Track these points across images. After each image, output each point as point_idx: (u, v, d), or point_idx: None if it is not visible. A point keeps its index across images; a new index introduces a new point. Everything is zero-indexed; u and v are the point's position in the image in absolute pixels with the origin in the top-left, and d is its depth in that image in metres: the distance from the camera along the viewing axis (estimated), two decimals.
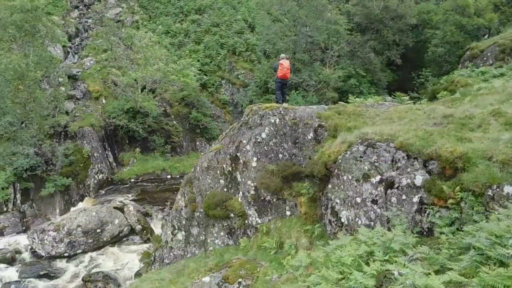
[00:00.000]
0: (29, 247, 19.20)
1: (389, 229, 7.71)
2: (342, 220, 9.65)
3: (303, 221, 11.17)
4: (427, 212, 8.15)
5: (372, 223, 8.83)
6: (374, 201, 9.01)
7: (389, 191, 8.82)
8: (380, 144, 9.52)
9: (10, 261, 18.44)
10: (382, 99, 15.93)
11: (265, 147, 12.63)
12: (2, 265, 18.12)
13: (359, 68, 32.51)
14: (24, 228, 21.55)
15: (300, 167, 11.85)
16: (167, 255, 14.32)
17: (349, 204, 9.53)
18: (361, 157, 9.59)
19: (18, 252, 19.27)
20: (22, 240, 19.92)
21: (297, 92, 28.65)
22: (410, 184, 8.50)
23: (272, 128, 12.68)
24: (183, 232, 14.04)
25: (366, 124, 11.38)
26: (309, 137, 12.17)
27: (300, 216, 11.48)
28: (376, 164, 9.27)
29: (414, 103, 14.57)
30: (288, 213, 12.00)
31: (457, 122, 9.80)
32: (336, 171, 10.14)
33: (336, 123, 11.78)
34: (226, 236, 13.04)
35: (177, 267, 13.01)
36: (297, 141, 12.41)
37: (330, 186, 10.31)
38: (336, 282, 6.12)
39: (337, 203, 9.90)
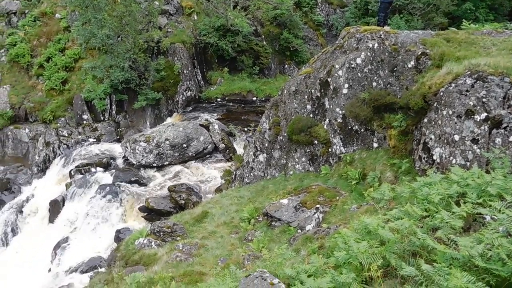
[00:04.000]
0: (122, 155, 21.31)
1: (487, 172, 7.25)
2: (434, 157, 9.25)
3: (390, 155, 10.90)
4: None
5: (468, 163, 8.35)
6: (475, 140, 8.43)
7: (494, 131, 8.16)
8: (492, 78, 8.67)
9: (106, 166, 20.74)
10: (503, 26, 14.17)
11: (358, 74, 12.17)
12: (99, 169, 20.49)
13: None
14: (118, 137, 23.82)
15: (395, 97, 11.32)
16: (247, 175, 15.05)
17: (445, 141, 9.03)
18: (467, 91, 8.87)
19: (113, 158, 21.53)
20: (116, 148, 22.14)
21: (401, 16, 26.53)
22: None
23: (369, 54, 12.08)
24: (265, 154, 14.53)
25: (479, 55, 10.33)
26: (410, 66, 11.42)
27: (387, 149, 11.20)
28: (484, 100, 8.53)
29: None
30: (375, 145, 11.75)
31: None
32: (435, 105, 9.55)
33: (443, 51, 10.84)
34: (308, 162, 13.25)
35: (257, 187, 13.68)
36: (395, 69, 11.74)
37: (425, 120, 9.80)
38: (420, 219, 6.03)
39: (431, 139, 9.45)
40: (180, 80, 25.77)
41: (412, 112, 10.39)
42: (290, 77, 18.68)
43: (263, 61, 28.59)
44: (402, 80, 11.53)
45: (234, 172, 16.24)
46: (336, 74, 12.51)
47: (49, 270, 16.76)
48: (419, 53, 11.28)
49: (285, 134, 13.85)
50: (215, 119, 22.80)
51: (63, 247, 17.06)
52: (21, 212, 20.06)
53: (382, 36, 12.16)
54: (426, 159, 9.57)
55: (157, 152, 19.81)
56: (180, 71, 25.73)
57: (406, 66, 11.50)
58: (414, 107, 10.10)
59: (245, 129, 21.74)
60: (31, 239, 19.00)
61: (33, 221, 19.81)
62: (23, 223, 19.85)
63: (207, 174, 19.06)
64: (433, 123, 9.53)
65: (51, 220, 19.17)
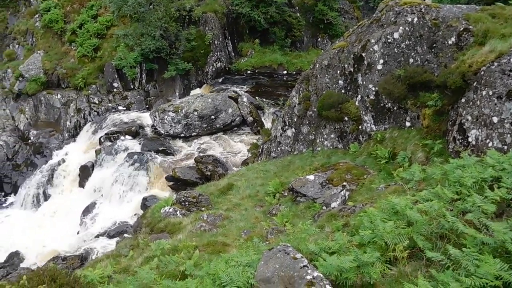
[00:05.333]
0: (151, 124, 21.64)
1: None
2: (470, 139, 8.98)
3: (423, 135, 10.64)
4: None
5: (505, 147, 8.07)
6: None
7: None
8: None
9: (135, 134, 21.15)
10: None
11: (395, 49, 11.80)
12: (128, 137, 20.92)
13: None
14: (147, 106, 24.16)
15: (432, 75, 10.94)
16: (274, 149, 15.05)
17: (482, 123, 8.73)
18: (510, 70, 8.49)
19: (142, 127, 21.91)
20: (145, 117, 22.49)
21: None
22: None
23: (407, 28, 11.66)
24: (293, 129, 14.45)
25: None
26: (450, 42, 10.97)
27: (420, 129, 10.93)
28: None
29: None
30: (407, 124, 11.48)
31: None
32: (474, 84, 9.20)
33: (487, 27, 10.34)
34: (336, 139, 13.11)
35: (283, 162, 13.67)
36: (434, 45, 11.30)
37: (463, 100, 9.48)
38: (450, 202, 5.91)
39: (467, 120, 9.15)
40: (210, 50, 25.69)
41: (449, 91, 10.05)
42: (323, 50, 18.33)
43: (295, 34, 28.12)
44: (441, 57, 11.12)
45: (261, 146, 16.27)
46: (371, 49, 12.17)
47: (78, 232, 17.46)
48: (461, 29, 10.81)
49: (314, 110, 13.69)
50: (244, 92, 22.75)
51: (92, 212, 17.70)
52: (52, 175, 20.83)
53: (423, 10, 11.69)
54: (460, 141, 9.30)
55: (185, 122, 20.02)
56: (211, 41, 25.63)
57: (446, 42, 11.06)
58: (451, 86, 9.76)
59: (274, 103, 21.63)
60: (61, 202, 19.76)
61: (63, 185, 20.56)
62: (54, 186, 20.62)
63: (234, 147, 19.20)
64: (471, 103, 9.21)
65: (81, 185, 19.85)
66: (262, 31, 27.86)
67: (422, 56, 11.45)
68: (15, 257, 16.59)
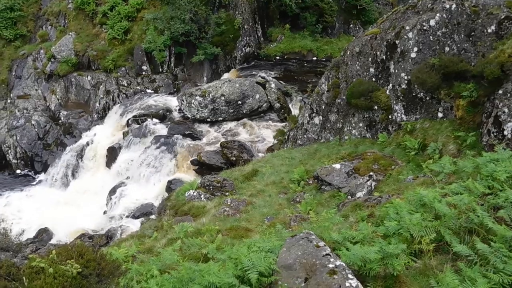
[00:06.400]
0: (178, 107, 21.84)
1: None
2: (505, 132, 8.72)
3: (456, 126, 10.38)
4: None
5: None
6: None
7: None
8: None
9: (162, 118, 21.40)
10: None
11: (430, 37, 11.49)
12: (155, 120, 21.19)
13: None
14: (175, 90, 24.35)
15: (468, 65, 10.62)
16: (300, 137, 14.99)
17: None
18: None
19: (169, 110, 22.14)
20: (173, 101, 22.69)
21: None
22: None
23: (444, 15, 11.32)
24: (320, 117, 14.34)
25: None
26: (489, 31, 10.60)
27: (453, 121, 10.66)
28: None
29: None
30: (440, 114, 11.22)
31: None
32: None
33: None
34: (365, 128, 12.95)
35: (309, 149, 13.62)
36: (472, 34, 10.94)
37: (500, 92, 9.18)
38: (481, 196, 5.78)
39: (504, 112, 8.88)
40: (239, 35, 25.61)
41: (485, 82, 9.74)
42: (354, 37, 18.02)
43: (327, 19, 27.69)
44: (479, 46, 10.76)
45: (287, 133, 16.22)
46: (405, 36, 11.89)
47: (104, 212, 17.93)
48: (502, 17, 10.42)
49: (343, 97, 13.53)
50: (272, 78, 22.63)
51: (118, 192, 18.09)
52: (81, 156, 21.38)
53: None
54: (495, 134, 9.04)
55: (212, 107, 20.12)
56: (240, 26, 25.52)
57: (485, 31, 10.69)
58: (488, 77, 9.45)
59: (302, 90, 21.45)
60: (89, 182, 20.29)
61: (91, 165, 21.08)
62: (82, 166, 21.18)
63: (260, 133, 19.19)
64: (508, 95, 8.92)
65: (108, 165, 20.30)
66: (293, 16, 27.56)
67: (458, 45, 11.12)
68: (44, 234, 17.20)
